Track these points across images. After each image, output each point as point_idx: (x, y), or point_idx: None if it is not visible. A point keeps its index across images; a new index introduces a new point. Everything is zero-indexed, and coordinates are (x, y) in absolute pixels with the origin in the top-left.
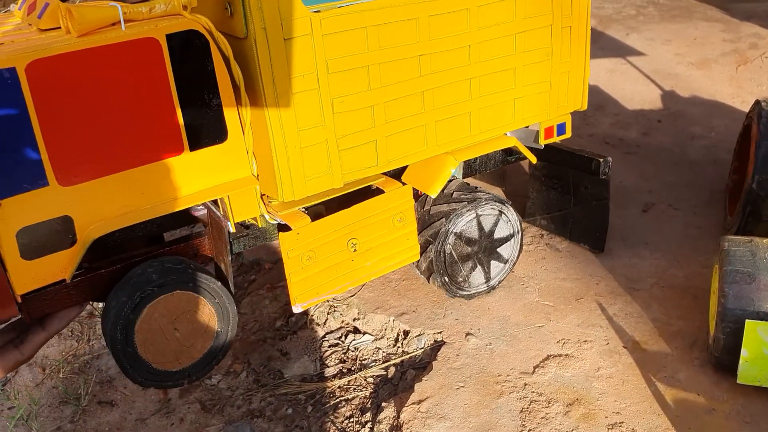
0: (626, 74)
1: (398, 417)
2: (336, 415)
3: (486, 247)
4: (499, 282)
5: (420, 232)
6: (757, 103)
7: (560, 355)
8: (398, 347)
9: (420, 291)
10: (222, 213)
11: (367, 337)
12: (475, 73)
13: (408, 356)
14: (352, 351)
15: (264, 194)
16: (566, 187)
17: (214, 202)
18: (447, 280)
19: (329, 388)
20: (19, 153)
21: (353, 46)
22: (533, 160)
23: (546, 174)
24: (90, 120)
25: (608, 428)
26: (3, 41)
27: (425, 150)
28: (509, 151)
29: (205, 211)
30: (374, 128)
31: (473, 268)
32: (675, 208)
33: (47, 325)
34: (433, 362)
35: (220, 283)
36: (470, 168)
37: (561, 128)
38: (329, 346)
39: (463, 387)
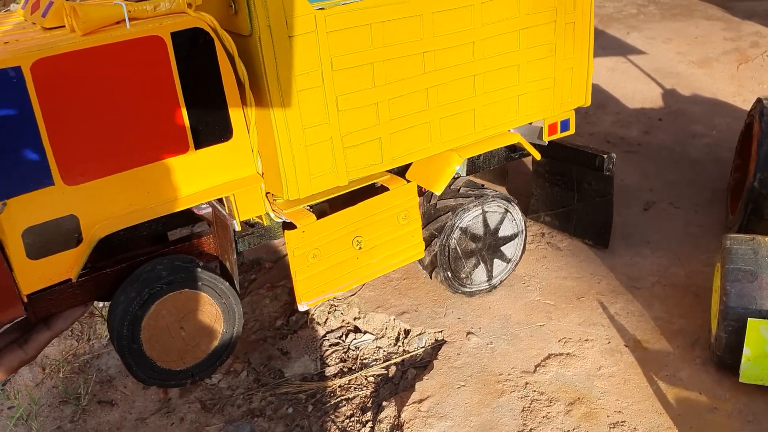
0: (627, 73)
1: (399, 416)
2: (337, 414)
3: (490, 245)
4: (501, 281)
5: (425, 226)
6: (759, 101)
7: (561, 354)
8: (399, 346)
9: (421, 290)
10: (227, 211)
11: (367, 336)
12: (479, 69)
13: (409, 355)
14: (353, 350)
15: (269, 192)
16: (570, 183)
17: (219, 200)
18: (450, 275)
19: (330, 387)
20: (24, 152)
21: (357, 43)
22: (537, 156)
23: (549, 171)
24: (95, 118)
25: (610, 427)
26: (8, 40)
27: (430, 147)
28: (513, 148)
29: (210, 209)
30: (379, 125)
31: (476, 265)
32: (676, 206)
33: (52, 324)
34: (434, 361)
35: (227, 283)
36: (474, 165)
37: (565, 124)
38: (330, 346)
39: (464, 386)
